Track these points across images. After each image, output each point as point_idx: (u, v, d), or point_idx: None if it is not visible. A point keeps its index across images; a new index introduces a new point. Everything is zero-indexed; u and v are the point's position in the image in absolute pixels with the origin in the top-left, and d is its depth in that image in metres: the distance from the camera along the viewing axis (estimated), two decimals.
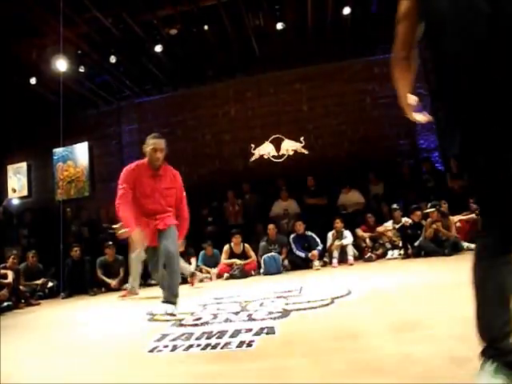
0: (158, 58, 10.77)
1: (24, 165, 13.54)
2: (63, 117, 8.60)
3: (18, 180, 13.50)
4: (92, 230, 11.07)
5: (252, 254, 8.68)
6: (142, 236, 4.13)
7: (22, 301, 7.11)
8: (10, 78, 10.56)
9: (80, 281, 8.31)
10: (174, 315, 4.06)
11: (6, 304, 6.61)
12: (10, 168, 13.62)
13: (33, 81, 10.78)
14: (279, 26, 9.89)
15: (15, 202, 13.20)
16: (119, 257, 8.90)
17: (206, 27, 9.75)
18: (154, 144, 4.43)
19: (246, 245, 8.75)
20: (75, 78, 10.98)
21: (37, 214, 12.01)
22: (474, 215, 8.23)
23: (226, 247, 8.74)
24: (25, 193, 13.45)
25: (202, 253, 8.99)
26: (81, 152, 13.07)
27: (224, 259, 8.65)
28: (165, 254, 4.20)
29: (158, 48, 10.12)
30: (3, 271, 7.31)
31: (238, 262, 8.46)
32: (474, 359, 1.66)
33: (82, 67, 10.56)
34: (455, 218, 8.29)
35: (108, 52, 10.16)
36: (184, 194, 4.89)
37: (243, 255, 8.64)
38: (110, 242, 8.90)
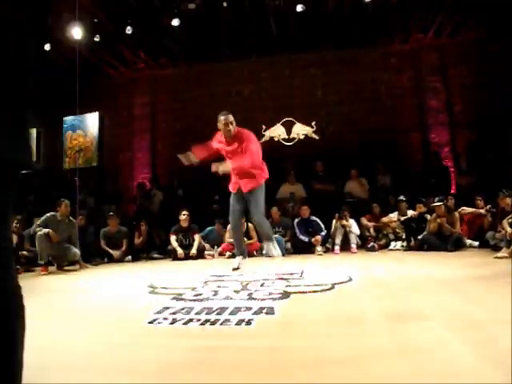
0: (174, 31, 10.69)
1: (33, 131, 13.48)
2: (76, 85, 8.57)
3: None
4: (97, 200, 11.11)
5: (255, 234, 8.69)
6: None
7: (18, 267, 7.09)
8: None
9: (83, 250, 8.26)
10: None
11: None
12: None
13: (47, 47, 10.73)
14: (299, 8, 9.80)
15: None
16: (123, 228, 8.94)
17: (224, 4, 9.67)
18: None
19: (250, 225, 8.74)
20: (90, 47, 10.92)
21: (44, 181, 12.05)
22: (478, 210, 8.24)
23: (230, 227, 8.74)
24: (33, 159, 13.41)
25: (210, 228, 9.11)
26: (91, 122, 13.06)
27: (228, 238, 8.68)
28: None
29: (175, 22, 10.05)
30: None
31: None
32: (467, 353, 1.66)
33: (98, 36, 10.50)
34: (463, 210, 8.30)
35: (124, 22, 10.10)
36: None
37: (246, 235, 8.65)
38: (112, 213, 8.93)
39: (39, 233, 6.85)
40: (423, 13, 10.18)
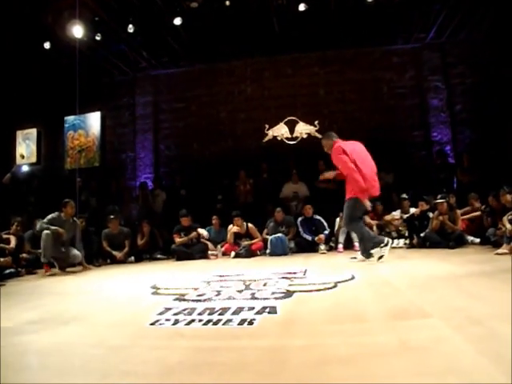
0: (177, 30, 10.64)
1: (34, 131, 13.44)
2: (77, 84, 8.53)
3: (26, 146, 13.43)
4: (100, 201, 11.06)
5: (257, 234, 8.68)
6: None
7: (19, 269, 7.01)
8: (24, 41, 10.42)
9: (85, 251, 7.86)
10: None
11: (8, 271, 6.53)
12: (20, 133, 13.53)
13: (47, 45, 10.67)
14: (302, 7, 9.76)
15: (24, 168, 13.15)
16: (124, 229, 8.92)
17: (227, 3, 9.63)
18: None
19: (250, 225, 8.74)
20: (91, 46, 10.87)
21: (45, 182, 12.00)
22: (475, 213, 8.28)
23: (231, 227, 8.76)
24: (33, 160, 13.37)
25: (208, 228, 9.12)
26: (93, 121, 13.01)
27: (230, 238, 8.67)
28: None
29: (178, 21, 10.00)
30: (6, 236, 7.30)
31: (246, 242, 8.49)
32: (468, 350, 1.64)
33: (99, 35, 10.45)
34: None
35: (126, 21, 10.06)
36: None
37: (247, 235, 8.65)
38: (112, 216, 8.87)
39: (45, 231, 6.83)
40: (425, 12, 10.16)
